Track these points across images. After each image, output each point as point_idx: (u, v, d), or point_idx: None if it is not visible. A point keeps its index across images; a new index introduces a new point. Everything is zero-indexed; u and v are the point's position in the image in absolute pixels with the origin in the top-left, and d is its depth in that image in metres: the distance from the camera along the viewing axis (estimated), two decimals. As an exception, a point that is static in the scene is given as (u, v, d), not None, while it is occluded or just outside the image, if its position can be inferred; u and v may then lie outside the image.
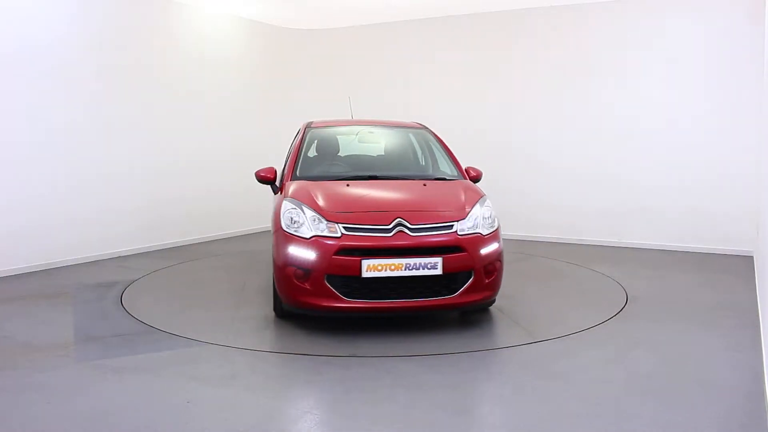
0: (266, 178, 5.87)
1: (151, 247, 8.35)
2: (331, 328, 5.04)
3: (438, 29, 9.82)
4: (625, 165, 8.68)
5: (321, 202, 5.04)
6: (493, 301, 5.35)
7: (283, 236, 4.96)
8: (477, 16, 9.53)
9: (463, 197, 5.26)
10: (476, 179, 6.01)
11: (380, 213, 4.94)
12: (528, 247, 8.78)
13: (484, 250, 4.98)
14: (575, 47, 8.93)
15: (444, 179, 5.76)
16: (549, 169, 9.16)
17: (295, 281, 4.82)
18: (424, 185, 5.51)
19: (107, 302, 5.86)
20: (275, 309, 5.35)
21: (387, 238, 4.77)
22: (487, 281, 5.02)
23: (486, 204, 5.28)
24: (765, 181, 5.56)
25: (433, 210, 5.05)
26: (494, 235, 5.14)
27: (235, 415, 3.52)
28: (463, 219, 5.00)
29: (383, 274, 4.69)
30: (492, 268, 5.05)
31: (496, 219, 5.27)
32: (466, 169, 6.03)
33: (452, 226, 4.93)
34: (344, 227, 4.81)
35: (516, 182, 9.29)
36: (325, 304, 4.76)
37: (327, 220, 4.85)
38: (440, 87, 9.80)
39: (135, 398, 3.77)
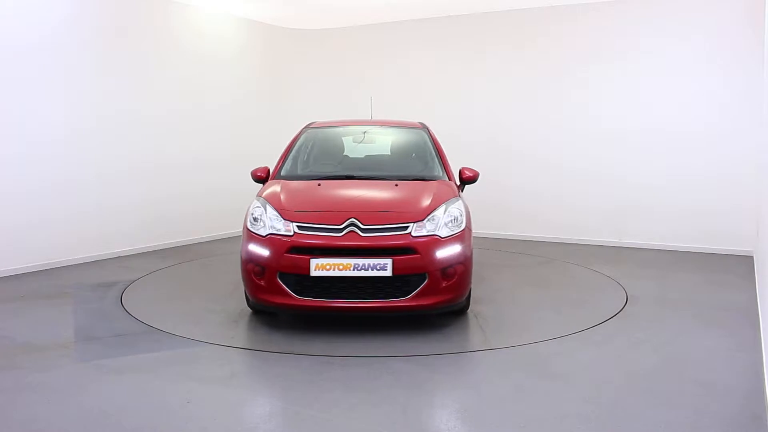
0: (260, 177, 5.97)
1: (151, 247, 8.35)
2: (332, 329, 5.04)
3: (438, 29, 9.81)
4: (625, 165, 8.68)
5: (284, 201, 5.15)
6: (463, 305, 5.25)
7: (246, 233, 5.11)
8: (477, 16, 9.53)
9: (429, 199, 5.13)
10: (470, 180, 5.95)
11: (334, 213, 4.96)
12: (528, 246, 8.78)
13: (442, 253, 4.82)
14: (576, 47, 8.93)
15: (424, 179, 5.64)
16: (549, 168, 9.16)
17: (254, 278, 4.94)
18: (396, 186, 5.44)
19: (107, 302, 5.86)
20: (247, 304, 5.42)
21: (337, 237, 4.79)
22: (444, 285, 4.84)
23: (455, 205, 5.14)
24: (765, 181, 5.56)
25: (390, 211, 5.01)
26: (457, 238, 4.95)
27: (235, 415, 3.52)
28: (421, 221, 4.89)
29: (332, 273, 4.71)
30: (452, 272, 4.86)
31: (464, 221, 5.10)
32: (460, 170, 5.98)
33: (407, 227, 4.85)
34: (297, 226, 4.89)
35: (516, 182, 9.29)
36: (278, 301, 4.85)
37: (284, 219, 4.94)
38: (440, 87, 9.80)
39: (135, 398, 3.77)
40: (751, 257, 7.76)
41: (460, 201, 5.29)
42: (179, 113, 8.73)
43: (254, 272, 4.93)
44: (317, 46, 10.71)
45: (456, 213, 5.10)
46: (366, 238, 4.78)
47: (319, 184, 5.52)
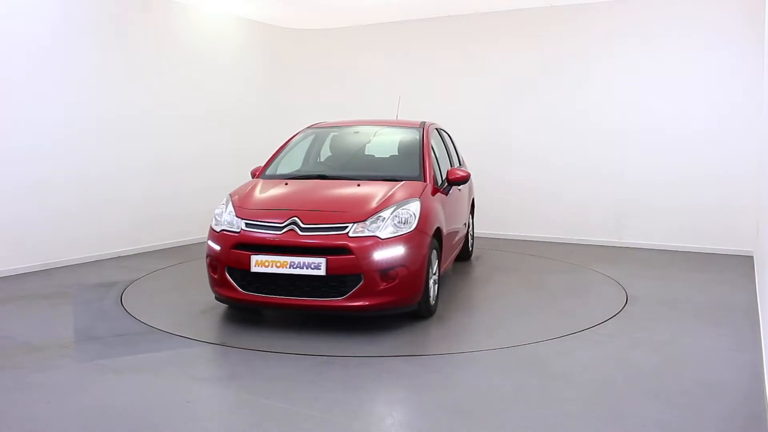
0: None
1: (151, 247, 8.35)
2: (331, 329, 5.04)
3: (438, 29, 9.81)
4: (625, 165, 8.68)
5: (243, 199, 5.37)
6: (415, 309, 5.10)
7: (210, 229, 5.37)
8: (477, 16, 9.53)
9: (380, 199, 5.09)
10: (458, 181, 5.96)
11: (279, 211, 5.06)
12: (528, 246, 8.78)
13: (380, 254, 4.76)
14: (576, 47, 8.93)
15: (396, 179, 5.54)
16: (549, 168, 9.16)
17: (210, 271, 5.22)
18: (358, 186, 5.43)
19: (107, 302, 5.86)
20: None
21: (276, 235, 4.90)
22: (384, 287, 4.78)
23: (407, 207, 5.04)
24: (765, 181, 5.56)
25: (333, 210, 5.02)
26: (401, 239, 4.86)
27: (235, 415, 3.52)
28: (362, 221, 4.86)
29: (270, 270, 4.82)
30: (393, 274, 4.80)
31: (415, 223, 4.97)
32: (448, 171, 5.97)
33: (345, 227, 4.84)
34: (245, 223, 5.06)
35: (516, 182, 9.29)
36: (227, 294, 5.07)
37: (236, 216, 5.16)
38: (440, 86, 9.80)
39: (135, 398, 3.77)
40: (751, 257, 7.76)
41: (417, 203, 5.13)
42: (179, 113, 8.72)
43: (211, 266, 5.21)
44: (317, 46, 10.71)
45: (405, 215, 4.98)
46: (303, 236, 4.85)
47: (286, 183, 5.66)
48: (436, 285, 5.47)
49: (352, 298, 4.76)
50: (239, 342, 4.76)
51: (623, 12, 8.61)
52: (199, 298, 5.93)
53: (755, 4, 7.70)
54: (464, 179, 5.98)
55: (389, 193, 5.19)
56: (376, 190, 5.27)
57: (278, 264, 4.80)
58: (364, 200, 5.11)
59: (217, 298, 5.32)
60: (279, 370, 4.21)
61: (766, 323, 4.50)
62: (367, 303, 4.79)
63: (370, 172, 5.87)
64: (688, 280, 6.86)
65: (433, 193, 5.59)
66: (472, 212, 7.92)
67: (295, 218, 4.93)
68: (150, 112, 8.31)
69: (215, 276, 5.14)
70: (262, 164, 6.31)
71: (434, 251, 5.34)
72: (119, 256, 7.90)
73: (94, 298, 6.02)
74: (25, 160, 6.92)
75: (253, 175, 6.16)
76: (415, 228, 4.98)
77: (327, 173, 5.89)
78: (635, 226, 8.69)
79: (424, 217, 5.12)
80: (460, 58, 9.68)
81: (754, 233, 7.50)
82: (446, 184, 5.99)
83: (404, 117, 7.55)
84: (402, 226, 4.93)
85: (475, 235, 8.39)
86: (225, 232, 5.12)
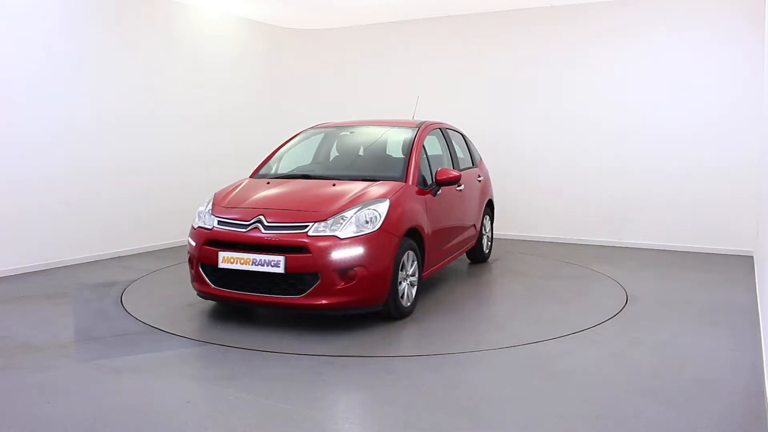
0: None
1: (151, 247, 8.35)
2: (331, 329, 5.04)
3: (438, 29, 9.81)
4: (625, 164, 8.68)
5: (223, 197, 5.56)
6: (386, 309, 5.10)
7: (191, 226, 5.53)
8: (477, 16, 9.53)
9: (347, 199, 5.12)
10: (446, 182, 5.86)
11: (248, 210, 5.18)
12: (528, 246, 8.77)
13: (339, 254, 4.78)
14: (575, 47, 8.93)
15: (375, 179, 5.56)
16: (549, 168, 9.15)
17: (189, 266, 5.41)
18: (333, 185, 5.47)
19: (107, 302, 5.86)
20: None
21: (241, 233, 5.02)
22: (342, 287, 4.79)
23: (374, 207, 5.03)
24: (765, 181, 5.56)
25: (298, 210, 5.07)
26: (363, 239, 4.85)
27: (235, 415, 3.52)
28: (323, 221, 4.90)
29: (234, 266, 4.96)
30: (352, 274, 4.81)
31: (379, 224, 4.95)
32: (436, 172, 5.86)
33: (306, 226, 4.89)
34: (217, 221, 5.22)
35: (516, 182, 9.29)
36: (201, 288, 5.27)
37: (212, 214, 5.33)
38: (440, 86, 9.80)
39: (135, 398, 3.77)
40: (751, 257, 7.76)
41: (385, 203, 5.10)
42: (179, 113, 8.72)
43: (189, 261, 5.40)
44: (317, 46, 10.71)
45: (370, 215, 4.97)
46: (265, 235, 4.94)
47: (268, 183, 5.77)
48: (415, 287, 5.42)
49: (311, 296, 4.81)
50: (239, 342, 4.76)
51: (623, 13, 8.59)
52: (198, 299, 5.92)
53: (756, 4, 7.70)
54: (453, 180, 5.90)
55: (359, 194, 5.21)
56: (348, 190, 5.30)
57: (242, 261, 4.92)
58: (330, 200, 5.15)
59: (197, 293, 5.47)
60: (279, 370, 4.21)
61: (766, 323, 4.50)
62: (325, 302, 4.82)
63: (353, 172, 5.90)
64: (688, 280, 6.86)
65: (417, 194, 5.58)
66: (491, 214, 7.88)
67: (261, 217, 5.04)
68: (150, 112, 8.31)
69: (192, 271, 5.35)
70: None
71: (410, 252, 5.30)
72: (119, 256, 7.90)
73: (94, 298, 6.02)
74: (25, 159, 6.92)
75: (252, 175, 6.25)
76: (380, 228, 4.95)
77: (312, 173, 5.96)
78: (635, 226, 8.68)
79: (393, 217, 5.08)
80: (460, 58, 9.67)
81: (754, 233, 7.50)
82: (435, 184, 5.88)
83: (416, 116, 7.52)
84: (366, 226, 4.93)
85: (493, 237, 8.18)
86: (200, 229, 5.29)
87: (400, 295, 5.18)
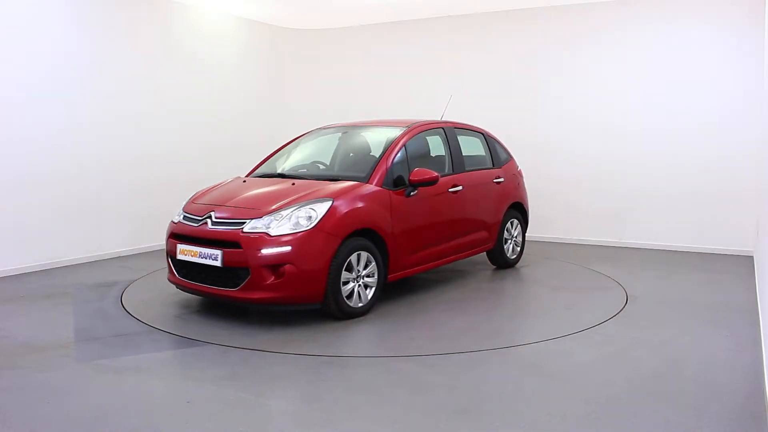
0: None
1: (151, 247, 8.35)
2: (331, 329, 5.04)
3: (438, 29, 9.82)
4: (625, 165, 8.68)
5: (199, 194, 5.93)
6: (325, 307, 5.15)
7: None
8: (477, 16, 9.53)
9: (290, 198, 5.25)
10: (421, 183, 5.78)
11: (204, 206, 5.52)
12: (528, 246, 8.76)
13: (267, 251, 4.90)
14: (575, 47, 8.93)
15: (339, 179, 5.65)
16: (549, 169, 9.15)
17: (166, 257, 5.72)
18: (293, 184, 5.63)
19: (107, 302, 5.86)
20: None
21: (193, 228, 5.37)
22: (271, 282, 4.91)
23: (312, 206, 5.11)
24: (765, 181, 5.57)
25: (243, 207, 5.27)
26: (294, 238, 4.94)
27: (235, 415, 3.52)
28: (260, 218, 5.05)
29: (187, 258, 5.30)
30: (282, 271, 4.91)
31: (315, 223, 5.02)
32: (413, 172, 5.77)
33: (244, 223, 5.08)
34: (183, 216, 5.61)
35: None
36: (169, 277, 5.64)
37: (182, 209, 5.73)
38: (440, 87, 9.79)
39: (135, 398, 3.77)
40: (751, 257, 7.76)
41: (326, 203, 5.15)
42: (179, 113, 8.72)
43: (166, 252, 5.70)
44: (317, 46, 10.71)
45: (307, 214, 5.06)
46: (210, 230, 5.22)
47: (244, 181, 6.03)
48: (373, 288, 5.42)
49: (244, 289, 4.98)
50: (239, 342, 4.76)
51: (624, 13, 8.59)
52: (198, 299, 5.93)
53: (756, 4, 7.70)
54: (429, 181, 5.79)
55: (306, 193, 5.32)
56: (299, 190, 5.44)
57: (192, 253, 5.25)
58: (275, 198, 5.31)
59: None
60: (279, 370, 4.21)
61: (766, 323, 4.50)
62: (257, 296, 4.98)
63: (324, 172, 6.14)
64: (688, 280, 6.86)
65: (381, 194, 5.55)
66: (521, 217, 7.56)
67: (211, 213, 5.33)
68: (150, 112, 8.31)
69: (167, 261, 5.67)
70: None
71: (362, 253, 5.30)
72: (119, 256, 7.90)
73: (94, 298, 6.02)
74: (25, 159, 6.92)
75: (247, 175, 6.41)
76: (314, 228, 5.01)
77: (287, 173, 6.16)
78: (635, 226, 8.68)
79: (333, 217, 5.11)
80: (460, 59, 9.67)
81: (754, 233, 7.50)
82: (409, 185, 5.78)
83: (445, 115, 7.50)
84: (302, 225, 5.01)
85: (524, 242, 7.74)
86: (171, 223, 5.72)
87: (347, 295, 5.19)
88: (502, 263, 7.33)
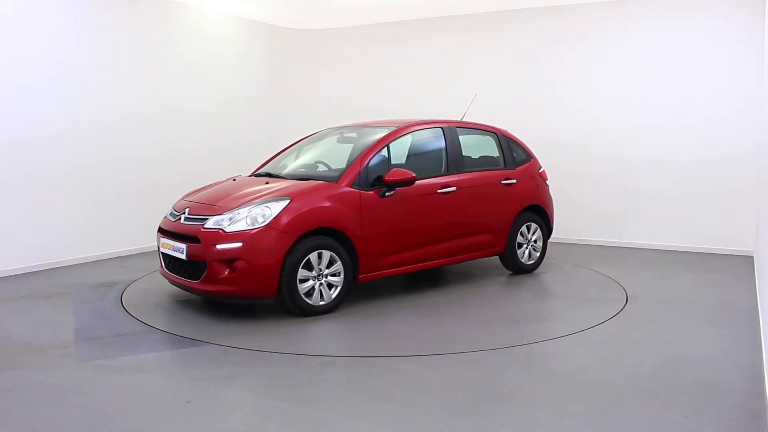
0: None
1: (151, 247, 8.30)
2: (331, 329, 5.04)
3: (438, 29, 9.81)
4: (625, 165, 8.68)
5: (192, 192, 6.16)
6: (280, 302, 5.25)
7: None
8: (477, 16, 9.53)
9: (251, 197, 5.46)
10: (396, 183, 5.72)
11: (186, 203, 5.83)
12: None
13: (221, 246, 5.13)
14: (574, 47, 8.92)
15: (312, 179, 5.78)
16: (549, 169, 9.12)
17: None
18: (266, 183, 5.84)
19: (107, 302, 5.86)
20: None
21: (171, 222, 5.68)
22: (224, 276, 5.13)
23: (267, 205, 5.25)
24: (765, 181, 5.57)
25: (211, 204, 5.55)
26: (245, 235, 5.12)
27: (235, 415, 3.52)
28: (218, 215, 5.30)
29: (164, 251, 5.63)
30: (234, 266, 5.11)
31: (268, 222, 5.15)
32: (388, 172, 5.72)
33: (206, 219, 5.34)
34: (170, 211, 5.87)
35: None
36: (160, 269, 5.89)
37: (173, 206, 5.96)
38: (440, 87, 9.80)
39: (135, 398, 3.77)
40: (751, 257, 7.76)
41: (282, 203, 5.27)
42: (179, 113, 8.72)
43: None
44: (317, 46, 10.71)
45: (262, 212, 5.22)
46: (181, 225, 5.53)
47: (234, 180, 6.24)
48: (338, 287, 5.45)
49: (204, 282, 5.25)
50: (239, 342, 4.76)
51: (623, 13, 8.58)
52: (198, 299, 5.93)
53: (756, 4, 7.70)
54: (404, 181, 5.75)
55: (268, 192, 5.49)
56: (263, 189, 5.62)
57: (169, 247, 5.56)
58: (242, 197, 5.53)
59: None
60: (279, 370, 4.21)
61: (766, 323, 4.49)
62: (213, 288, 5.23)
63: (302, 171, 6.21)
64: (688, 280, 6.86)
65: (349, 195, 5.56)
66: (541, 222, 7.17)
67: (186, 209, 5.63)
68: (150, 112, 8.30)
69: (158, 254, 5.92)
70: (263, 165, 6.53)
71: (323, 252, 5.35)
72: (119, 256, 7.90)
73: (94, 298, 6.02)
74: (25, 160, 6.92)
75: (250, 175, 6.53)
76: (267, 226, 5.16)
77: (273, 173, 6.29)
78: (635, 226, 8.68)
79: (288, 216, 5.22)
80: (459, 59, 9.67)
81: (754, 233, 7.49)
82: (384, 185, 5.74)
83: (467, 115, 7.45)
84: (257, 222, 5.18)
85: (545, 247, 7.28)
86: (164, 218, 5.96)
87: (304, 292, 5.28)
88: (516, 269, 6.99)
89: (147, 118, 8.25)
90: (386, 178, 5.72)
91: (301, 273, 5.24)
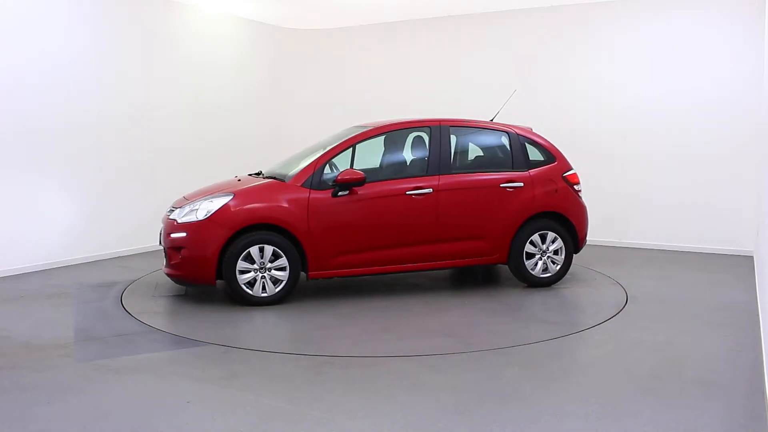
0: None
1: (151, 247, 8.33)
2: (331, 329, 5.04)
3: (438, 29, 9.81)
4: (625, 164, 8.67)
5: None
6: (226, 289, 5.70)
7: None
8: (476, 16, 9.53)
9: (207, 192, 5.99)
10: (348, 183, 5.74)
11: (182, 198, 6.25)
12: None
13: (174, 235, 5.75)
14: (574, 47, 8.92)
15: (272, 178, 6.08)
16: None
17: None
18: (239, 180, 6.25)
19: (107, 302, 5.86)
20: None
21: (166, 215, 6.11)
22: (174, 262, 5.74)
23: (210, 199, 5.73)
24: (765, 181, 5.57)
25: (186, 199, 6.10)
26: (189, 226, 5.66)
27: (235, 415, 3.52)
28: (180, 208, 5.89)
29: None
30: (182, 253, 5.68)
31: (206, 215, 5.61)
32: (341, 172, 5.78)
33: (174, 210, 5.97)
34: (171, 207, 6.22)
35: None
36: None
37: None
38: (439, 87, 9.80)
39: (135, 398, 3.77)
40: (751, 257, 7.76)
41: (223, 198, 5.70)
42: (180, 113, 8.72)
43: None
44: (317, 46, 10.71)
45: (207, 206, 5.69)
46: (166, 216, 6.06)
47: (239, 180, 6.37)
48: (284, 282, 5.66)
49: (166, 267, 5.89)
50: (239, 342, 4.76)
51: (623, 12, 8.58)
52: (198, 299, 5.93)
53: (756, 3, 7.70)
54: (353, 181, 5.75)
55: (220, 188, 5.99)
56: (224, 186, 6.07)
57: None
58: (202, 192, 6.10)
59: None
60: (279, 370, 4.21)
61: (766, 323, 4.50)
62: (170, 272, 5.82)
63: (276, 171, 6.34)
64: (688, 280, 6.86)
65: (296, 193, 5.74)
66: (562, 231, 6.41)
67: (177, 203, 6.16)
68: (150, 112, 8.29)
69: None
70: (263, 165, 6.56)
71: (266, 247, 5.60)
72: (119, 256, 7.90)
73: (94, 298, 6.02)
74: (25, 160, 6.92)
75: None
76: (206, 219, 5.63)
77: (265, 173, 6.46)
78: (635, 226, 8.68)
79: (227, 211, 5.63)
80: (459, 59, 9.67)
81: (754, 233, 7.49)
82: (336, 185, 5.79)
83: (500, 113, 7.41)
84: (200, 215, 5.66)
85: (568, 261, 6.48)
86: None
87: (244, 283, 5.59)
88: (525, 280, 6.39)
89: (146, 118, 8.24)
90: (337, 178, 5.82)
91: (242, 265, 5.58)
